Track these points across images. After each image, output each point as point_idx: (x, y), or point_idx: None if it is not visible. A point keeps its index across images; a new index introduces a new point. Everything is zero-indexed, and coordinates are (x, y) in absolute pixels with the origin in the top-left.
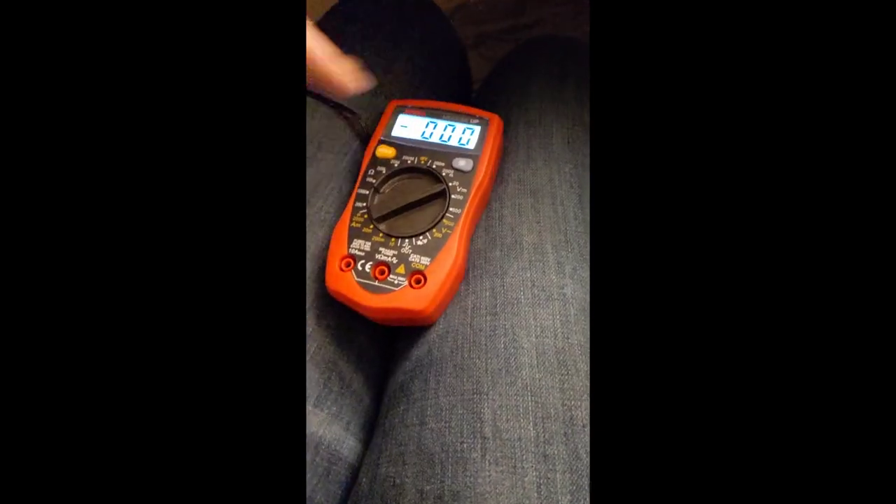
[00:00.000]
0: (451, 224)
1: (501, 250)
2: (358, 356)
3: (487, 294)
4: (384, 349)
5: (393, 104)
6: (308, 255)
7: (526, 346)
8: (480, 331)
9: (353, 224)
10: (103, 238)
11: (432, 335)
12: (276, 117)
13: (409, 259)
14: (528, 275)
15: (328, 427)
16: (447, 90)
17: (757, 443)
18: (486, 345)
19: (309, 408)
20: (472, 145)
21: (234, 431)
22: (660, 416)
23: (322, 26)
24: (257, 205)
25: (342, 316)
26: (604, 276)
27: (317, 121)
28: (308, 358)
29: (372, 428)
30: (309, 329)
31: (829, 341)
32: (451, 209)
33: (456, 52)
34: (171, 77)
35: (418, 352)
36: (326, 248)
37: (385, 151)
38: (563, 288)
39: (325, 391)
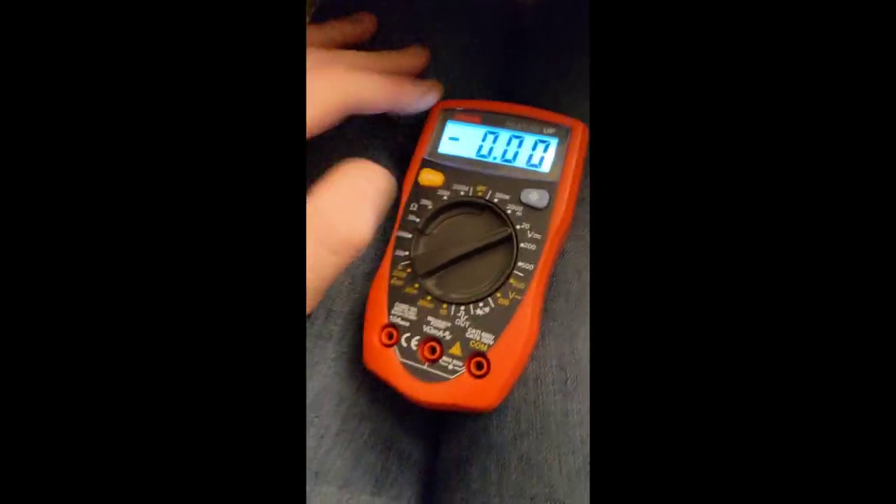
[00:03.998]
0: (522, 286)
1: (567, 301)
2: (417, 425)
3: (555, 363)
4: None
5: (438, 108)
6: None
7: None
8: (549, 415)
9: (394, 281)
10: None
11: None
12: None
13: (467, 335)
14: None
15: None
16: (502, 64)
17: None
18: (557, 434)
19: (366, 497)
20: (546, 167)
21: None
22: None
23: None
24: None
25: None
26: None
27: (344, 143)
28: (363, 441)
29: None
30: (361, 409)
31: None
32: (520, 264)
33: None
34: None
35: (473, 425)
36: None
37: (430, 177)
38: None
39: (384, 473)
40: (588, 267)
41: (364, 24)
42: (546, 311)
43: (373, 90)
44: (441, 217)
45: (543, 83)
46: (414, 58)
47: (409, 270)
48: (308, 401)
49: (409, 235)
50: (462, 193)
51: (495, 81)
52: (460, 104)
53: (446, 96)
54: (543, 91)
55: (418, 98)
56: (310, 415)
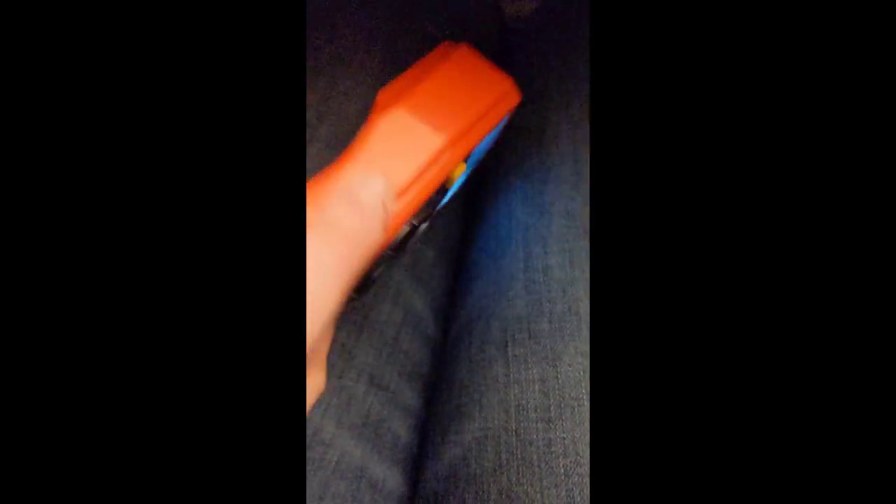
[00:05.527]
0: None
1: (551, 322)
2: (392, 447)
3: (537, 388)
4: (422, 430)
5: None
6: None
7: None
8: (531, 443)
9: None
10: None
11: (467, 436)
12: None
13: None
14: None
15: None
16: None
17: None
18: (539, 465)
19: None
20: None
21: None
22: None
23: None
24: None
25: (370, 407)
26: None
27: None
28: (331, 471)
29: None
30: (328, 435)
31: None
32: None
33: (490, 15)
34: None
35: (451, 453)
36: None
37: None
38: None
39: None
40: (578, 281)
41: None
42: (527, 332)
43: None
44: None
45: None
46: None
47: None
48: None
49: None
50: None
51: None
52: None
53: None
54: None
55: None
56: None
